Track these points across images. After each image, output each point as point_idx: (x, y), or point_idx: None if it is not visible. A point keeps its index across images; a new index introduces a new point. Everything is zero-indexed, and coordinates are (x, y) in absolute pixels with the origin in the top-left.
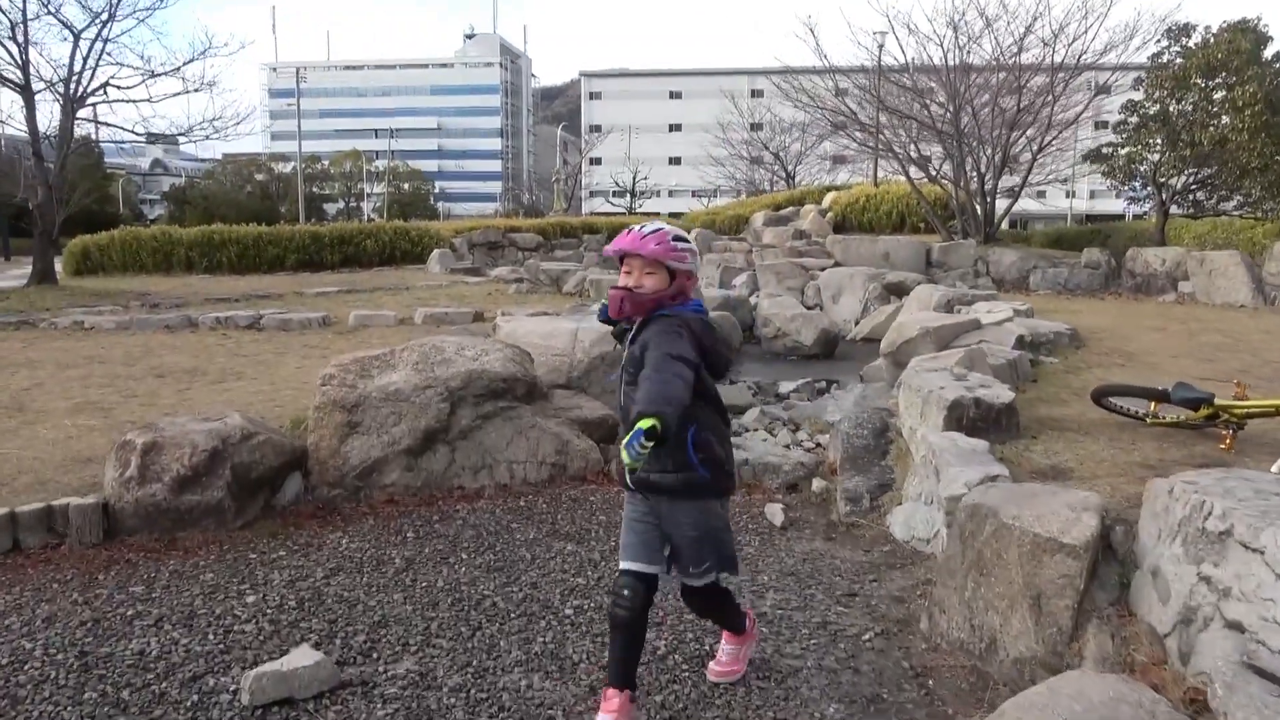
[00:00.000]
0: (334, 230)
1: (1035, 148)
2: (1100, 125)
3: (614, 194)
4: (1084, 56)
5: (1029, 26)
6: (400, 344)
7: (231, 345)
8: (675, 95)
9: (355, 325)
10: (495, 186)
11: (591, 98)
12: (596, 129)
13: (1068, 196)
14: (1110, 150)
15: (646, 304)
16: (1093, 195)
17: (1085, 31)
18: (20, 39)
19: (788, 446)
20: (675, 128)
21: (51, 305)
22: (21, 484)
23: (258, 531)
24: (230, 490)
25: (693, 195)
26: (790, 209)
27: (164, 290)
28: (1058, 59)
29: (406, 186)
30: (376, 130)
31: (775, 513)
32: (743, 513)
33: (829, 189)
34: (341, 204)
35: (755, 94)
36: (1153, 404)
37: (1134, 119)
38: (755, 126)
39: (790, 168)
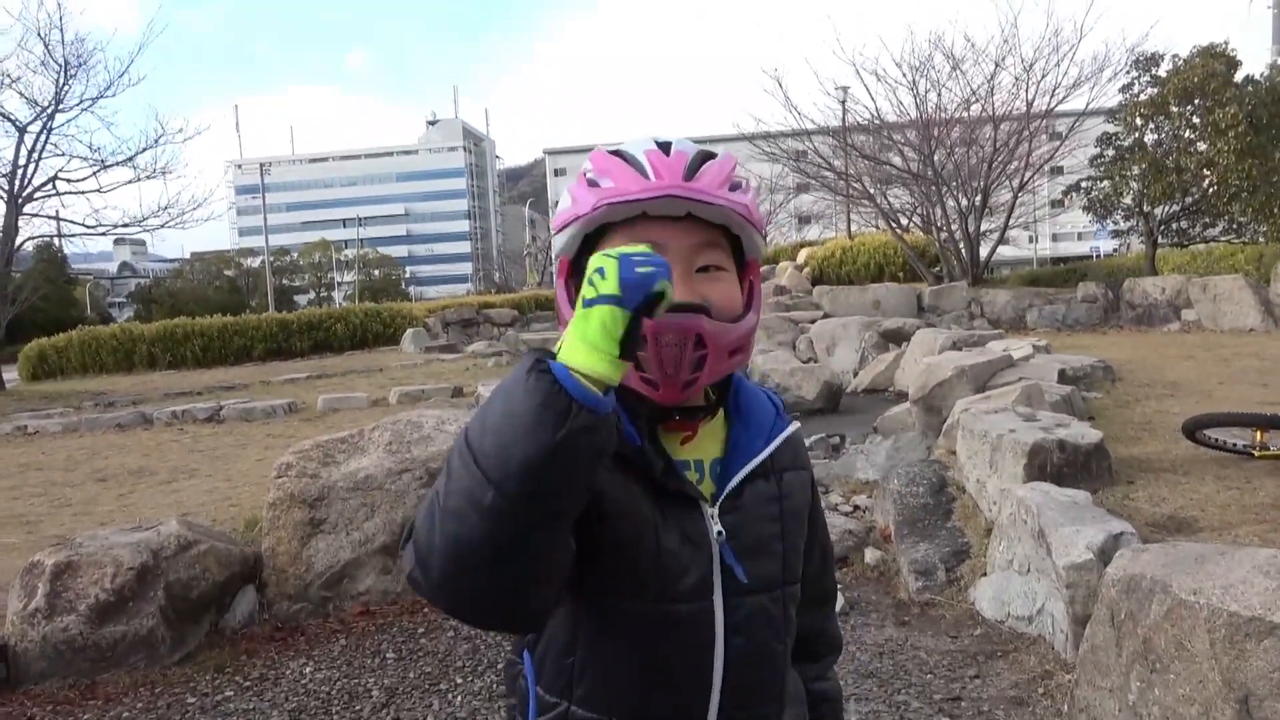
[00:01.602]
0: (302, 316)
1: (1016, 185)
2: (1056, 171)
3: None
4: (1057, 91)
5: (999, 63)
6: (371, 423)
7: (187, 440)
8: None
9: (325, 410)
10: (466, 267)
11: (556, 174)
12: None
13: (1030, 241)
14: (1089, 185)
15: (735, 358)
16: (1055, 238)
17: (1057, 65)
18: None
19: (823, 511)
20: None
21: None
22: None
23: (200, 665)
24: (164, 615)
25: None
26: (766, 267)
27: (122, 389)
28: (1029, 95)
29: (377, 273)
30: (345, 220)
31: None
32: None
33: (802, 245)
34: (312, 294)
35: None
36: (1258, 433)
37: (1110, 151)
38: None
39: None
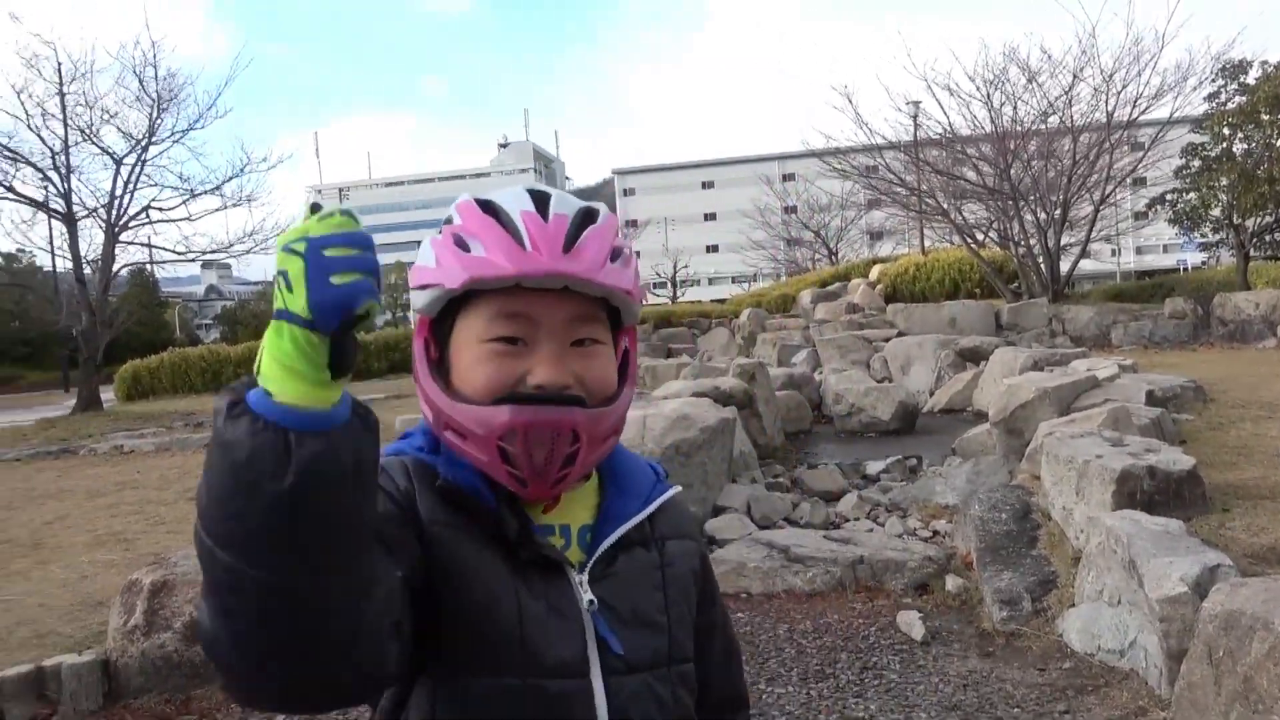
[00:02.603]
0: (380, 337)
1: (1097, 198)
2: (1139, 182)
3: (655, 285)
4: (1139, 101)
5: (1077, 74)
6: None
7: None
8: (708, 185)
9: (402, 429)
10: None
11: (625, 194)
12: (632, 223)
13: (1113, 254)
14: (1175, 196)
15: (609, 441)
16: (1140, 251)
17: (1138, 75)
18: (62, 168)
19: (900, 536)
20: (710, 216)
21: (94, 431)
22: (18, 639)
23: None
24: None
25: (732, 281)
26: (837, 284)
27: (211, 409)
28: (1110, 106)
29: None
30: (419, 242)
31: (911, 623)
32: (869, 624)
33: (874, 262)
34: (389, 315)
35: (787, 178)
36: None
37: (1196, 162)
38: (789, 209)
39: (832, 245)
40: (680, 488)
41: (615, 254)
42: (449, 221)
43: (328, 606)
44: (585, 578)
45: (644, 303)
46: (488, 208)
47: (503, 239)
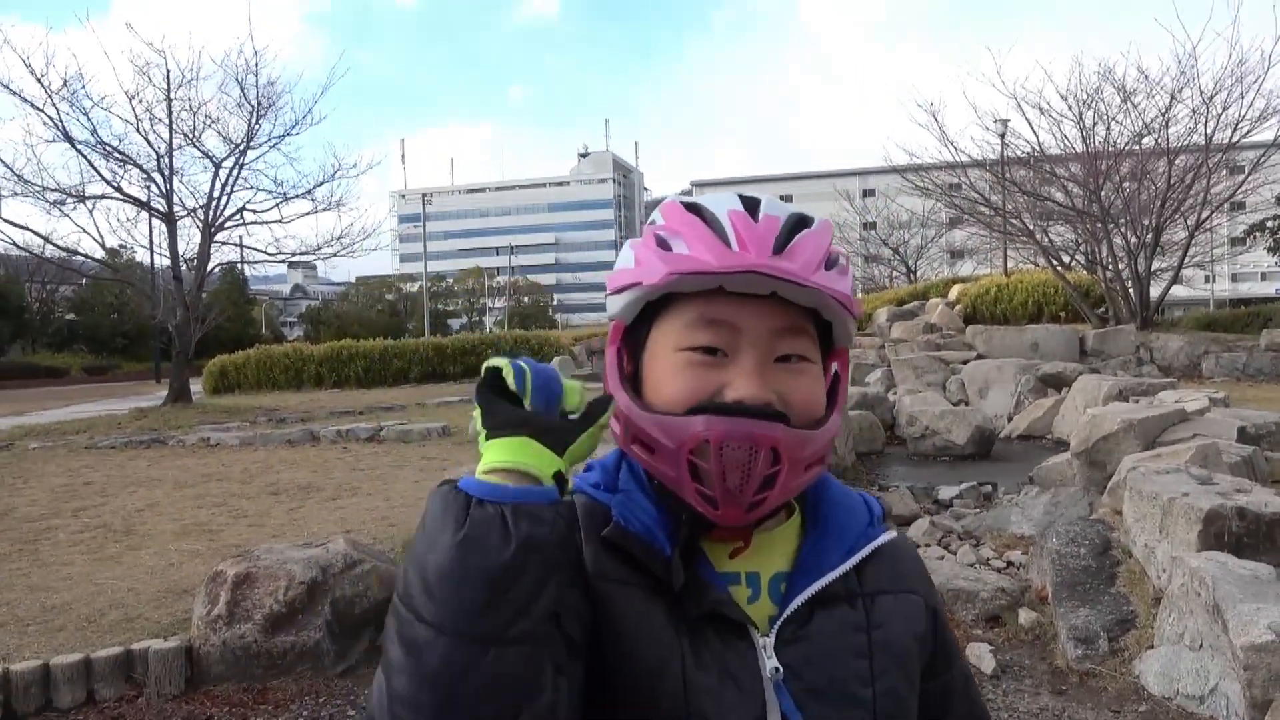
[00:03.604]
0: (456, 342)
1: (1192, 223)
2: (1238, 207)
3: None
4: (1240, 124)
5: (1174, 95)
6: None
7: (350, 459)
8: (786, 199)
9: (475, 435)
10: None
11: None
12: None
13: (1207, 281)
14: (1276, 223)
15: (812, 470)
16: (1235, 279)
17: (1240, 97)
18: (165, 170)
19: (973, 565)
20: None
21: (183, 423)
22: (108, 621)
23: (360, 679)
24: (330, 630)
25: None
26: (915, 303)
27: (292, 405)
28: (1209, 129)
29: (526, 300)
30: (497, 248)
31: (982, 655)
32: None
33: (953, 281)
34: (465, 319)
35: (867, 194)
36: None
37: None
38: (869, 225)
39: (910, 263)
40: (896, 532)
41: (831, 261)
42: (653, 223)
43: (499, 675)
44: (772, 640)
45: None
46: (692, 208)
47: (707, 236)
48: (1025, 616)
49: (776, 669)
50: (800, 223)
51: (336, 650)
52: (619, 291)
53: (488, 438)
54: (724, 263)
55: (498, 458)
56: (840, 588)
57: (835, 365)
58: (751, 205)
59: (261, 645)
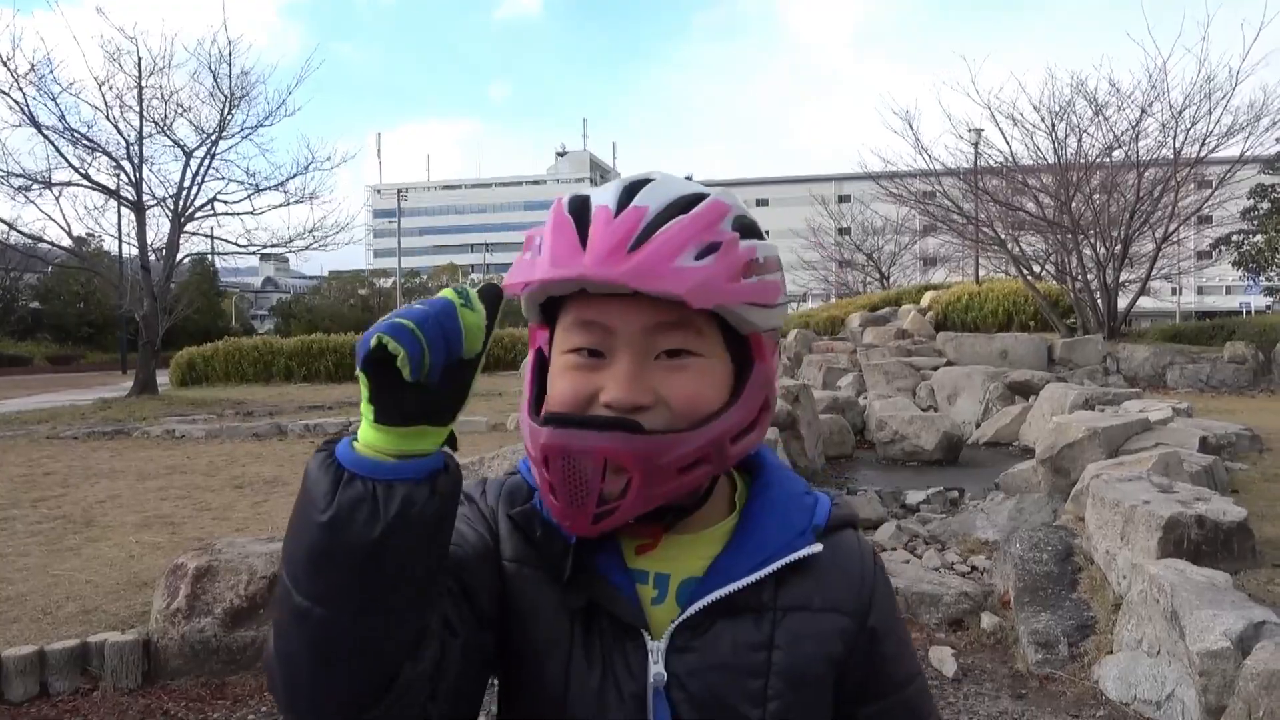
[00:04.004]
0: None
1: (1159, 236)
2: (1205, 221)
3: None
4: (1208, 139)
5: (1145, 109)
6: (491, 451)
7: None
8: (762, 202)
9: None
10: None
11: None
12: None
13: (1174, 293)
14: (1241, 238)
15: (696, 471)
16: (1201, 291)
17: (1209, 112)
18: (135, 158)
19: (938, 569)
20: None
21: (149, 414)
22: (65, 613)
23: None
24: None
25: None
26: (888, 309)
27: (260, 399)
28: (1177, 143)
29: None
30: (472, 245)
31: (944, 659)
32: None
33: (926, 288)
34: None
35: (842, 199)
36: None
37: (1265, 204)
38: (843, 231)
39: (884, 269)
40: (820, 547)
41: (707, 249)
42: None
43: (375, 644)
44: (663, 645)
45: (777, 304)
46: (575, 204)
47: (562, 241)
48: (988, 621)
49: (660, 675)
50: (676, 208)
51: None
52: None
53: (374, 420)
54: (551, 273)
55: (379, 443)
56: (751, 600)
57: (756, 359)
58: (632, 189)
59: (221, 640)
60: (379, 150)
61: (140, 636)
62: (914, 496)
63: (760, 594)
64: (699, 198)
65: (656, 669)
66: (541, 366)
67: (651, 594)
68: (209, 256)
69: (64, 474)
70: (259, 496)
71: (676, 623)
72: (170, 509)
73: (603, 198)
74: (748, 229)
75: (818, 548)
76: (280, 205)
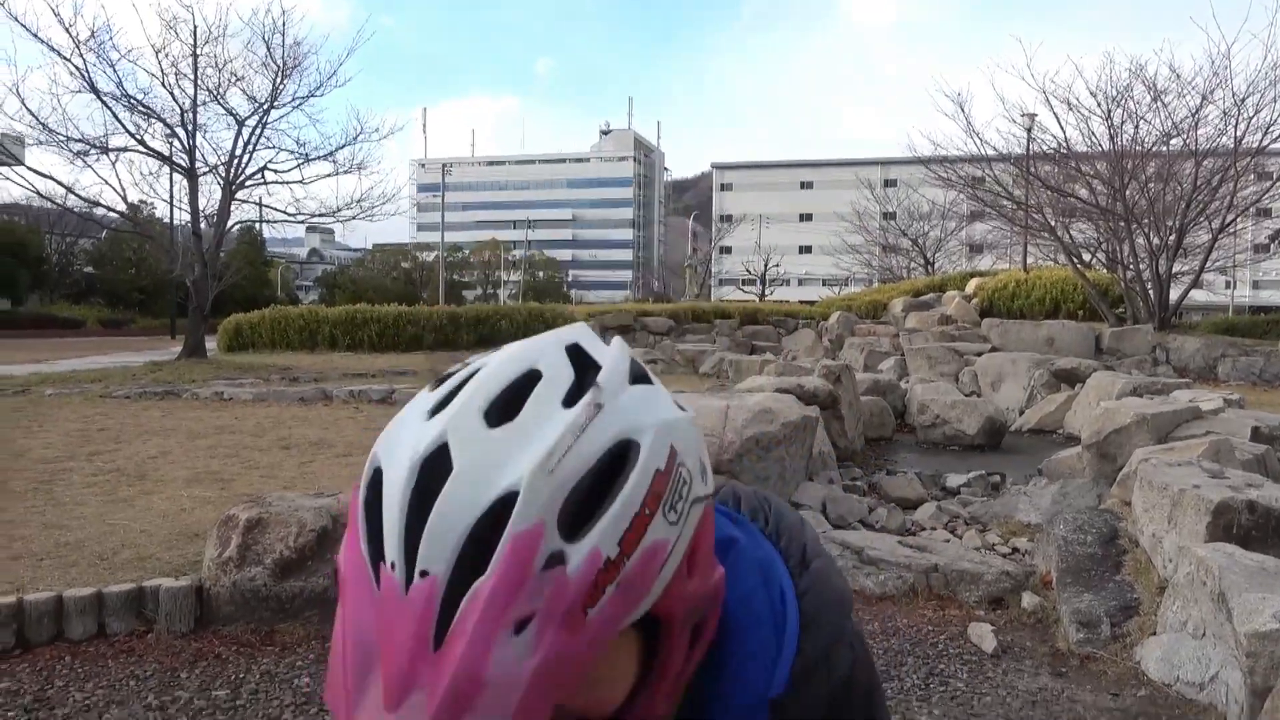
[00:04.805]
0: (470, 311)
1: (1216, 227)
2: (1264, 213)
3: (744, 282)
4: (1271, 128)
5: (1206, 96)
6: None
7: (362, 419)
8: (806, 185)
9: None
10: (626, 274)
11: (722, 188)
12: (727, 219)
13: (1228, 286)
14: None
15: None
16: (1257, 285)
17: (1274, 100)
18: (189, 125)
19: (979, 549)
20: (806, 217)
21: (198, 377)
22: (121, 559)
23: None
24: (337, 577)
25: (823, 284)
26: (931, 295)
27: (306, 365)
28: (1239, 132)
29: (541, 274)
30: (515, 221)
31: (983, 635)
32: (939, 632)
33: (971, 275)
34: (479, 290)
35: (888, 183)
36: None
37: None
38: (889, 215)
39: (929, 254)
40: None
41: (520, 625)
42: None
43: None
44: None
45: (668, 557)
46: (372, 489)
47: (357, 593)
48: (1028, 600)
49: None
50: (469, 558)
51: None
52: None
53: None
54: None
55: None
56: None
57: (666, 638)
58: (421, 504)
59: (271, 589)
60: (424, 125)
61: (193, 583)
62: (955, 480)
63: None
64: (495, 520)
65: None
66: None
67: None
68: (256, 225)
69: (117, 430)
70: (305, 457)
71: None
72: (219, 466)
73: (393, 512)
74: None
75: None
76: (329, 175)
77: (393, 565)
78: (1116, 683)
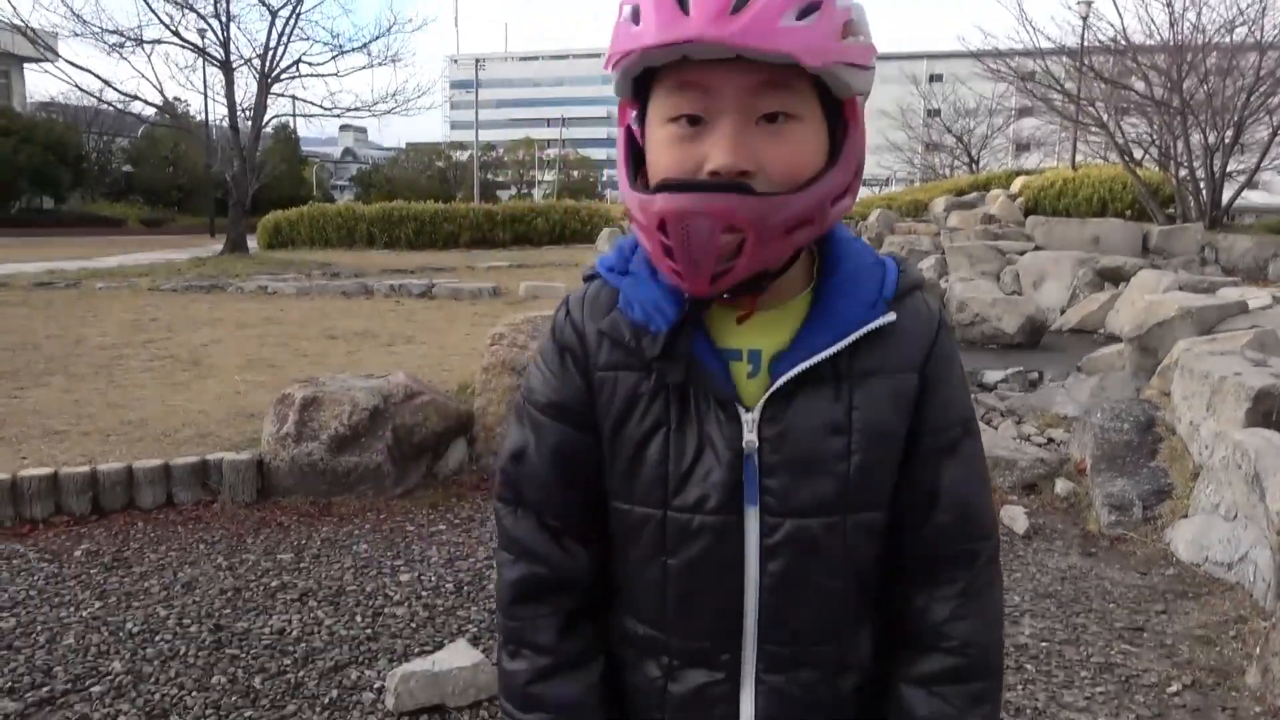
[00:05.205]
0: (506, 208)
1: (1276, 123)
2: None
3: None
4: None
5: None
6: None
7: (404, 312)
8: None
9: (526, 296)
10: None
11: None
12: None
13: None
14: None
15: (800, 233)
16: None
17: None
18: (223, 16)
19: (1014, 439)
20: None
21: (241, 272)
22: (183, 436)
23: (417, 501)
24: (390, 454)
25: (864, 183)
26: (974, 194)
27: (345, 262)
28: None
29: (576, 173)
30: (549, 119)
31: (1015, 516)
32: None
33: (1017, 174)
34: (514, 190)
35: (934, 78)
36: None
37: None
38: (933, 112)
39: (974, 152)
40: (893, 316)
41: (807, 9)
42: None
43: None
44: (756, 414)
45: (870, 66)
46: None
47: (664, 6)
48: (1061, 486)
49: (752, 441)
50: None
51: (396, 473)
52: (608, 69)
53: None
54: (657, 38)
55: None
56: (828, 369)
57: (848, 120)
58: None
59: (327, 463)
60: (456, 18)
61: (254, 457)
62: (992, 376)
63: (838, 364)
64: None
65: (749, 436)
66: (631, 143)
67: (746, 369)
68: (291, 122)
69: (167, 321)
70: (351, 346)
71: (768, 394)
72: (269, 353)
73: None
74: None
75: (891, 317)
76: (364, 68)
77: None
78: (1145, 562)
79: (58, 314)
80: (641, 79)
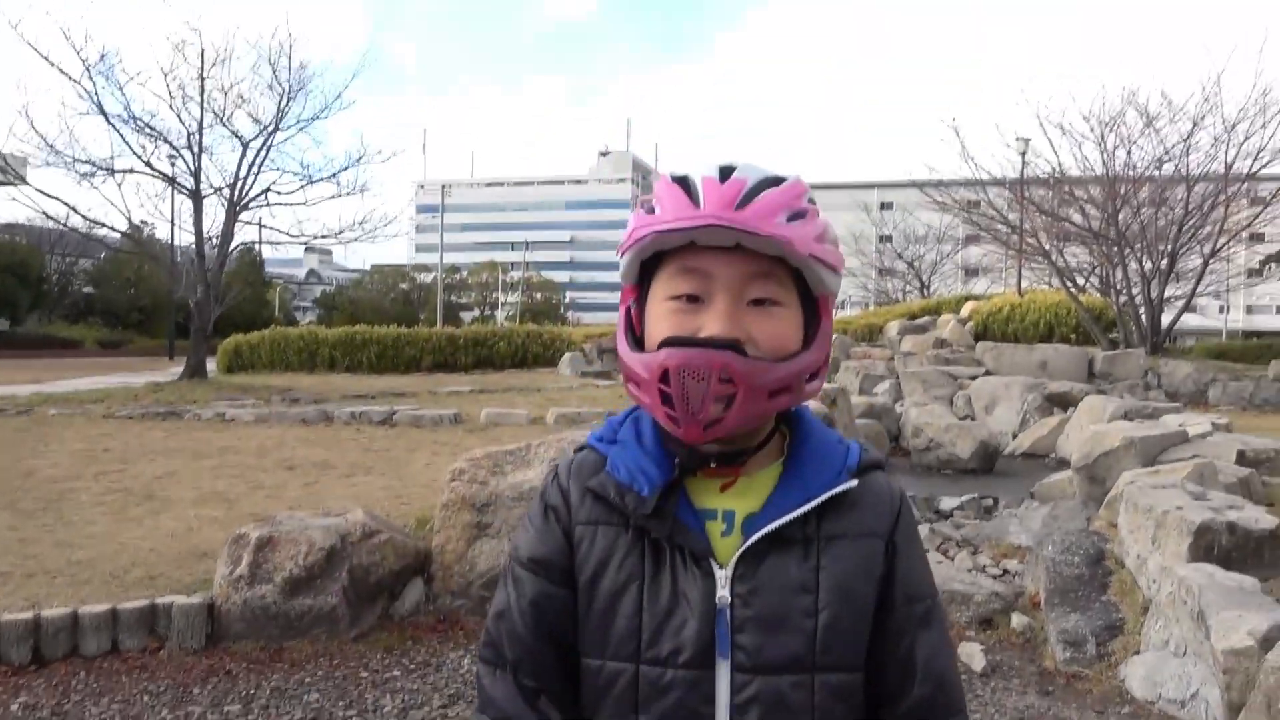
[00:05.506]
0: (469, 332)
1: (1207, 251)
2: (1256, 238)
3: None
4: (1261, 154)
5: (1197, 122)
6: (537, 439)
7: (364, 440)
8: None
9: (487, 423)
10: None
11: None
12: None
13: (1221, 311)
14: None
15: (779, 399)
16: (1250, 310)
17: (1263, 126)
18: (195, 147)
19: (970, 571)
20: None
21: (199, 398)
22: (132, 578)
23: (372, 644)
24: (346, 596)
25: None
26: (926, 318)
27: (306, 386)
28: (1229, 157)
29: (539, 296)
30: (513, 243)
31: (972, 654)
32: None
33: (966, 298)
34: (477, 312)
35: (885, 206)
36: None
37: None
38: (885, 238)
39: (925, 277)
40: (856, 483)
41: (795, 215)
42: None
43: None
44: (728, 572)
45: (841, 273)
46: (678, 179)
47: (679, 199)
48: (1017, 620)
49: (724, 596)
50: (768, 182)
51: (351, 615)
52: (621, 255)
53: None
54: (688, 217)
55: None
56: (797, 532)
57: (821, 315)
58: (727, 170)
59: (280, 606)
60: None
61: (204, 600)
62: (948, 502)
63: (806, 527)
64: (783, 178)
65: (722, 592)
66: (629, 322)
67: (720, 528)
68: (256, 246)
69: (122, 451)
70: (309, 478)
71: (740, 551)
72: (225, 486)
73: (703, 172)
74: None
75: (853, 483)
76: (333, 197)
77: (709, 177)
78: (1101, 700)
79: (7, 443)
80: (647, 265)
